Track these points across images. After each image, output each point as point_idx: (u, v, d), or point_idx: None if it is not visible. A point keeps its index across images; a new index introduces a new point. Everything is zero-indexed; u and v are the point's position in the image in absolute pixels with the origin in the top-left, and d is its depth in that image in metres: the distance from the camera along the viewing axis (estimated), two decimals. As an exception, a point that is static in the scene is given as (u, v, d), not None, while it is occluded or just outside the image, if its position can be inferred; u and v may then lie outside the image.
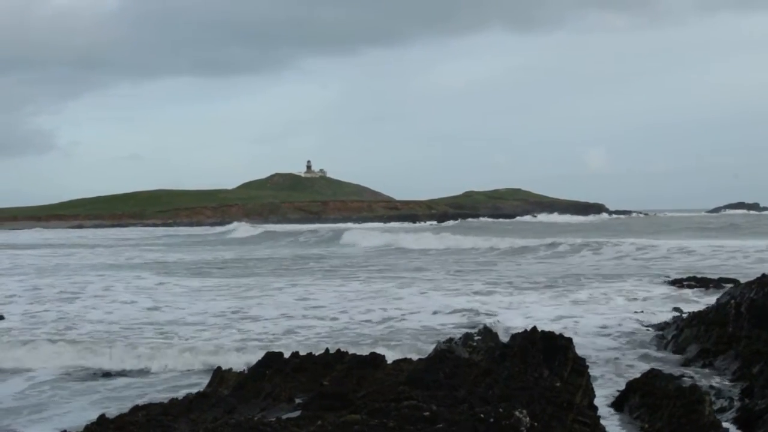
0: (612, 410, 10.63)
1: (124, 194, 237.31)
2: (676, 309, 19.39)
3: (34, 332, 18.29)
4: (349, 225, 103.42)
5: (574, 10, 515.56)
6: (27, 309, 22.64)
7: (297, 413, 8.55)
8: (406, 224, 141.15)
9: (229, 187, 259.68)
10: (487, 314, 19.98)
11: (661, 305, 20.90)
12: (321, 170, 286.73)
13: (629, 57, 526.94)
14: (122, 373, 14.28)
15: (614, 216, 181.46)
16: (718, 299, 15.83)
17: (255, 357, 11.75)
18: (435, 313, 20.81)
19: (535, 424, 7.83)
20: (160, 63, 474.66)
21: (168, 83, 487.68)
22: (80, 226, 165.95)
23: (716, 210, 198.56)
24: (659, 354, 14.54)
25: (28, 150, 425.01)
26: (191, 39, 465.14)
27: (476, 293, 25.39)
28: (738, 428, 9.66)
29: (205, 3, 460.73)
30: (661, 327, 16.86)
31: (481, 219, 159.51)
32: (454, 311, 20.90)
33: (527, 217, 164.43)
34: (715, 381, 12.05)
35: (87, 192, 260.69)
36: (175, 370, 14.50)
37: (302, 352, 10.72)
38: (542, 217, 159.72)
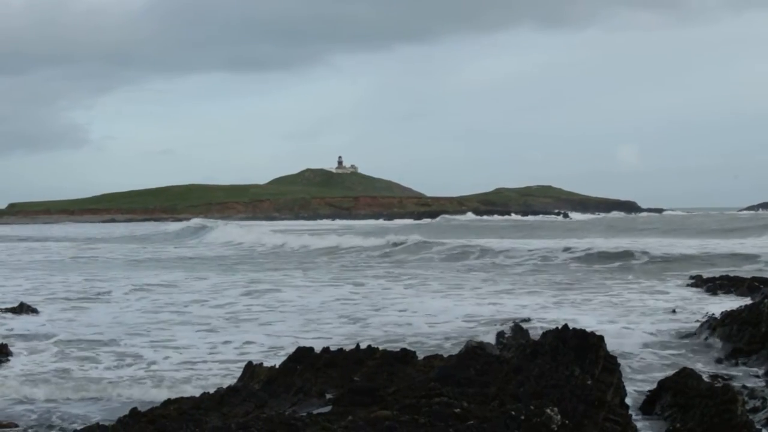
0: (643, 409, 10.57)
1: (157, 189, 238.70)
2: (708, 308, 19.23)
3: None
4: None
5: (604, 7, 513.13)
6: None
7: (328, 408, 8.59)
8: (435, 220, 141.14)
9: (261, 183, 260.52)
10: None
11: (693, 304, 20.76)
12: (352, 166, 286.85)
13: (660, 54, 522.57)
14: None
15: (644, 214, 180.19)
16: (751, 298, 15.73)
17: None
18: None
19: (567, 421, 7.82)
20: (192, 59, 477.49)
21: (200, 79, 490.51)
22: (112, 220, 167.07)
23: (751, 208, 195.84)
24: (691, 353, 14.44)
25: (62, 144, 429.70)
26: (222, 35, 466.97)
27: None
28: (771, 429, 9.58)
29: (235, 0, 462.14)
30: (694, 326, 16.74)
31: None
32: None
33: (541, 215, 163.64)
34: (748, 381, 11.96)
35: (119, 186, 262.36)
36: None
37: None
38: (573, 215, 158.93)
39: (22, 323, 18.77)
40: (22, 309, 20.24)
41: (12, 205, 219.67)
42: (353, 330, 17.89)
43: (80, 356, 15.11)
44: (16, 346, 15.64)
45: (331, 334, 17.24)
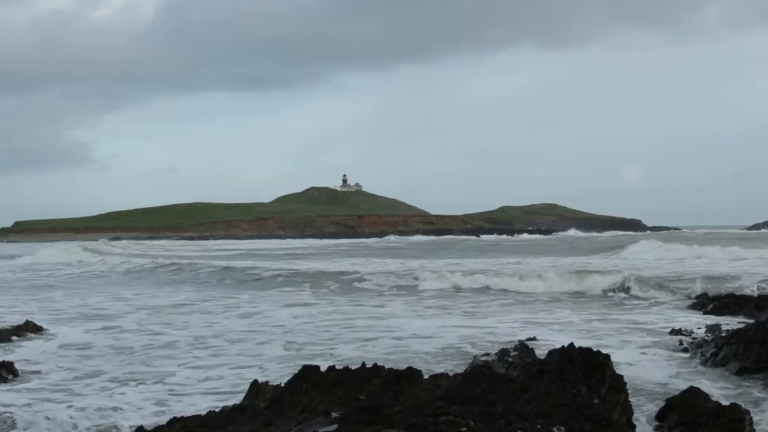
0: (650, 428, 10.54)
1: (162, 207, 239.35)
2: (714, 326, 19.18)
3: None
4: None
5: (604, 26, 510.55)
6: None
7: (334, 427, 8.57)
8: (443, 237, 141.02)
9: (266, 201, 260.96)
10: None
11: (699, 323, 20.70)
12: (357, 184, 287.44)
13: (661, 72, 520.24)
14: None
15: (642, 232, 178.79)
16: (757, 317, 15.69)
17: None
18: None
19: (573, 441, 7.80)
20: (194, 78, 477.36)
21: (203, 98, 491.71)
22: (117, 238, 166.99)
23: (756, 227, 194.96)
24: (698, 372, 14.40)
25: (67, 163, 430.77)
26: (226, 54, 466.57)
27: None
28: (778, 448, 9.55)
29: (237, 19, 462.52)
30: (700, 344, 16.70)
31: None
32: None
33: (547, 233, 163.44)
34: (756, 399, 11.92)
35: (124, 204, 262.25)
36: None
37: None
38: (572, 232, 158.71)
39: None
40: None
41: (17, 224, 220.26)
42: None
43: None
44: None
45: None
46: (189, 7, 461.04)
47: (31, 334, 19.77)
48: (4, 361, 14.86)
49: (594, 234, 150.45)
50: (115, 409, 12.19)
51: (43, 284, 40.30)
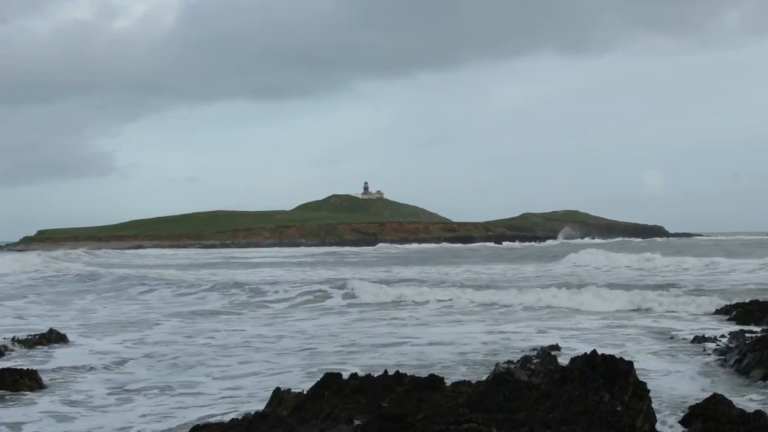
0: (674, 435, 10.50)
1: (183, 215, 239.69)
2: (737, 333, 19.07)
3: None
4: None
5: (624, 33, 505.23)
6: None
7: (356, 435, 8.58)
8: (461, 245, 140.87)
9: (287, 209, 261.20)
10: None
11: (723, 329, 20.58)
12: (378, 192, 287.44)
13: (682, 79, 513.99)
14: None
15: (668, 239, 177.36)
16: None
17: None
18: None
19: (596, 448, 7.78)
20: (215, 87, 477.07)
21: (224, 106, 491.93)
22: (140, 247, 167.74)
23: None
24: (721, 379, 14.33)
25: (89, 172, 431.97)
26: (246, 63, 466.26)
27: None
28: (803, 456, 9.46)
29: (257, 28, 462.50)
30: (723, 351, 16.62)
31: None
32: None
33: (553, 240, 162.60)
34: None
35: (145, 213, 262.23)
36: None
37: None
38: (586, 240, 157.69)
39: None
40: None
41: (41, 232, 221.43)
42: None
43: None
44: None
45: None
46: (209, 16, 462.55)
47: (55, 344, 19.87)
48: (28, 370, 14.82)
49: (591, 240, 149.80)
50: (135, 418, 12.26)
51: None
